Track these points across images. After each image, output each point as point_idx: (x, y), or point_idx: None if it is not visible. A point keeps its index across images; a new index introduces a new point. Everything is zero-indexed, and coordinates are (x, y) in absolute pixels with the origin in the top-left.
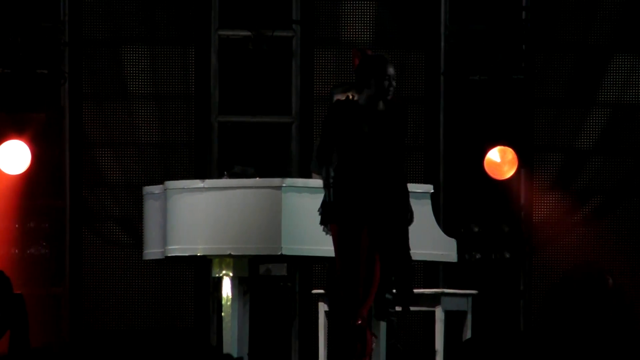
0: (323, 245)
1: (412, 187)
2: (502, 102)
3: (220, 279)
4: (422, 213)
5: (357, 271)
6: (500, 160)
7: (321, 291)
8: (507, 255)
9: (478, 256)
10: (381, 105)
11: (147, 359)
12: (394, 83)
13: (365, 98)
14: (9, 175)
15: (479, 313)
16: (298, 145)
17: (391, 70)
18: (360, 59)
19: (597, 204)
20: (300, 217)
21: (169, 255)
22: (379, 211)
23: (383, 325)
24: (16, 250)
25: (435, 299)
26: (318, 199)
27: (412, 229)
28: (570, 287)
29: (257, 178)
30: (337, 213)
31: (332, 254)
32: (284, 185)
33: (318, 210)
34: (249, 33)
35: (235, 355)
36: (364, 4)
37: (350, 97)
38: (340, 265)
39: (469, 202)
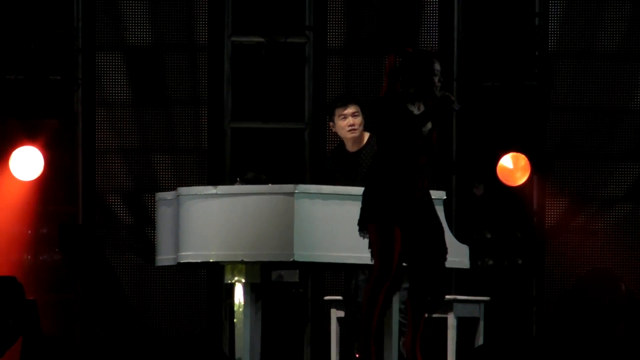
0: (335, 251)
1: None
2: (515, 109)
3: (232, 286)
4: None
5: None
6: (513, 167)
7: (333, 297)
8: (520, 262)
9: (490, 262)
10: (422, 106)
11: None
12: (440, 79)
13: (412, 96)
14: (22, 181)
15: (492, 319)
16: (311, 152)
17: (437, 66)
18: (403, 58)
19: (610, 210)
20: (312, 224)
21: (182, 261)
22: (414, 212)
23: (395, 332)
24: (29, 257)
25: (447, 306)
26: (331, 205)
27: None
28: (583, 293)
29: (270, 184)
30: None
31: (344, 261)
32: (296, 191)
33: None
34: (262, 39)
35: None
36: (376, 10)
37: (353, 111)
38: (379, 264)
39: (481, 209)
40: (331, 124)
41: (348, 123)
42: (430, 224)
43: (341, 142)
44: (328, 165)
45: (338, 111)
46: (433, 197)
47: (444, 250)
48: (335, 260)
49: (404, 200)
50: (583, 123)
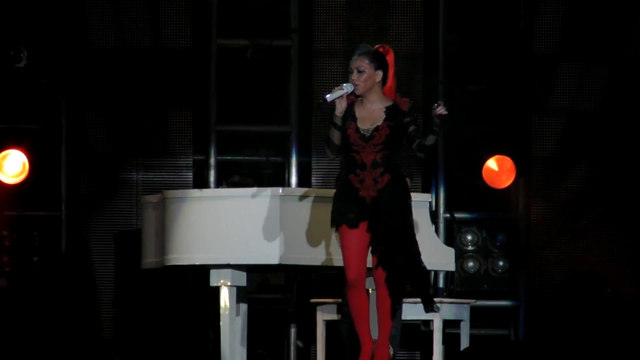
0: (321, 254)
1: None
2: (501, 111)
3: (218, 289)
4: (421, 222)
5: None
6: (498, 169)
7: (320, 300)
8: (504, 264)
9: (475, 264)
10: (366, 102)
11: None
12: (358, 76)
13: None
14: (6, 184)
15: (477, 322)
16: (297, 154)
17: (355, 63)
18: None
19: (596, 212)
20: (298, 227)
21: (167, 264)
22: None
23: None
24: (13, 260)
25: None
26: (316, 208)
27: None
28: (568, 296)
29: (256, 187)
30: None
31: (330, 264)
32: (281, 194)
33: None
34: (247, 42)
35: None
36: (362, 13)
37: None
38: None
39: (467, 211)
40: None
41: None
42: (392, 223)
43: None
44: None
45: None
46: (418, 199)
47: (411, 252)
48: (320, 263)
49: (348, 201)
50: (568, 125)
